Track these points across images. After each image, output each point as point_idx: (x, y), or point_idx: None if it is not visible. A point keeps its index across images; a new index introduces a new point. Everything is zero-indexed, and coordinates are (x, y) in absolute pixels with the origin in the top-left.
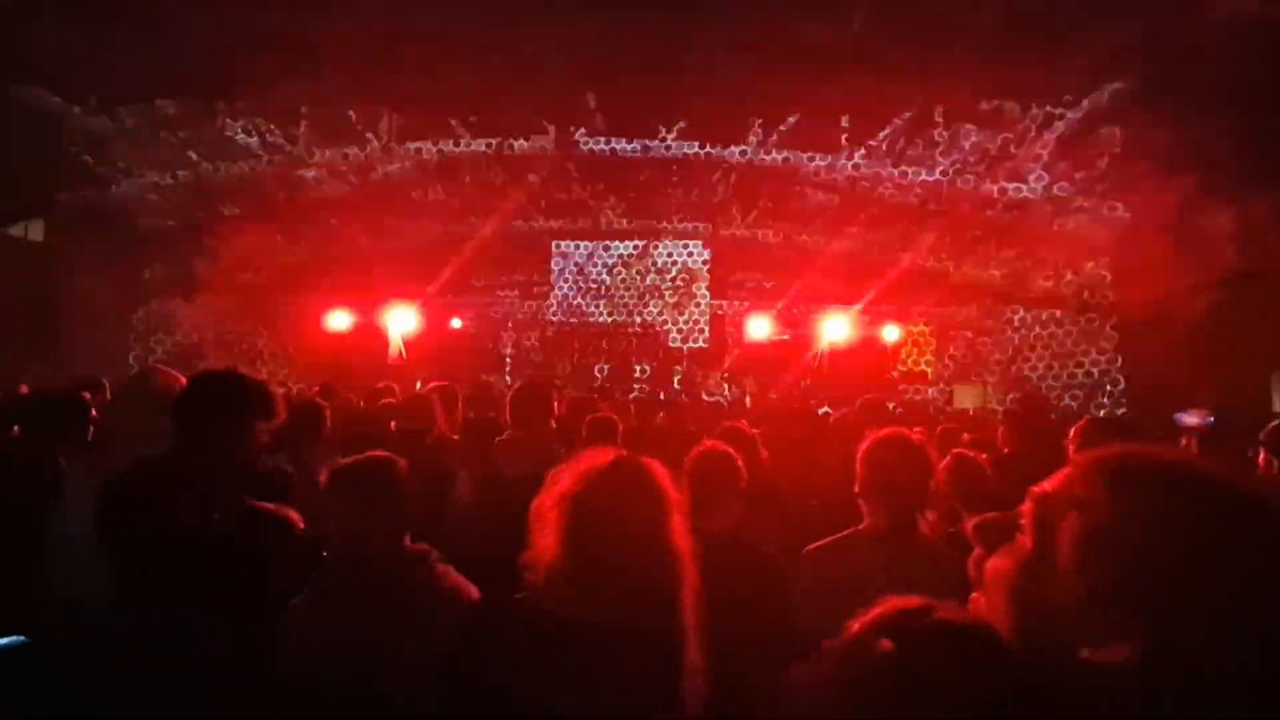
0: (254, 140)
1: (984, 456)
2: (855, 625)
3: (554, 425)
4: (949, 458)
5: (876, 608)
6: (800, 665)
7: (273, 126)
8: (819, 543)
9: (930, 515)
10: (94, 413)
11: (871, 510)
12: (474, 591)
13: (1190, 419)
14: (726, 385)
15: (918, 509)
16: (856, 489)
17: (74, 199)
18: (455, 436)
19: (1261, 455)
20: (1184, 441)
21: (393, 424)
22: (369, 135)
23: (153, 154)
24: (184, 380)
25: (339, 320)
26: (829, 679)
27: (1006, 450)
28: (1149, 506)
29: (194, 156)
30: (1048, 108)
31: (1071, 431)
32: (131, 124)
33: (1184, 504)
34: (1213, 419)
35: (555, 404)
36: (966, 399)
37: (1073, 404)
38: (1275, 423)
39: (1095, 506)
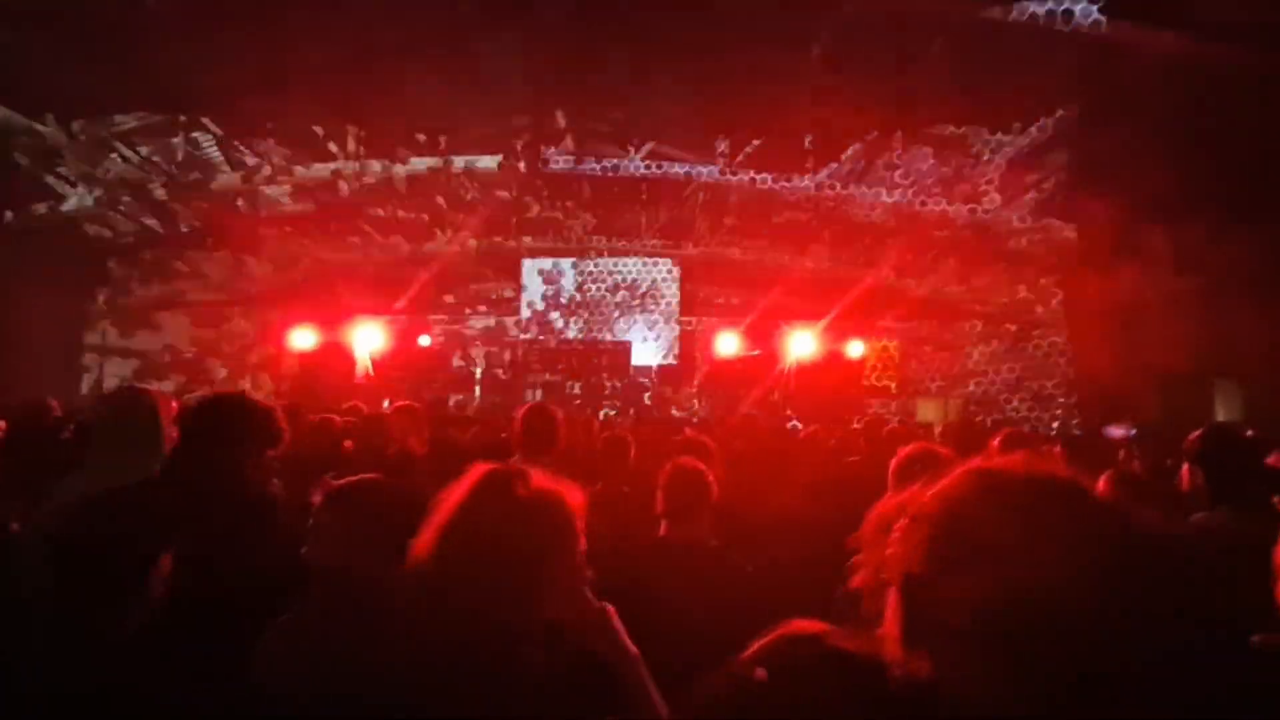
0: (215, 155)
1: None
2: (749, 650)
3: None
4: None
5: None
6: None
7: (235, 142)
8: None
9: None
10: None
11: None
12: None
13: (1116, 432)
14: (696, 401)
15: None
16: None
17: (23, 215)
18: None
19: (1185, 468)
20: (1121, 454)
21: (347, 443)
22: (334, 151)
23: (108, 169)
24: (171, 402)
25: (304, 338)
26: (705, 704)
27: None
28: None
29: (151, 173)
30: (999, 134)
31: (994, 442)
32: (86, 138)
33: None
34: (1134, 431)
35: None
36: (928, 413)
37: (1028, 415)
38: (1195, 433)
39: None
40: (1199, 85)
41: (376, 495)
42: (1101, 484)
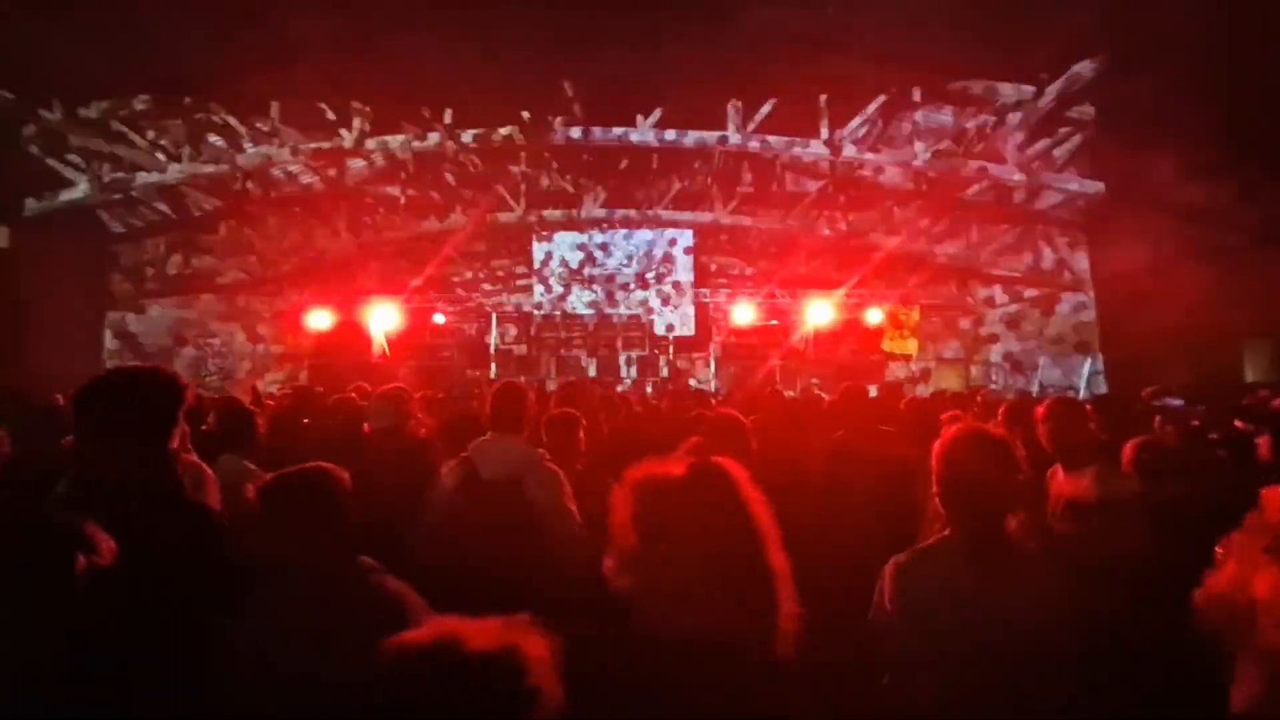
0: (224, 138)
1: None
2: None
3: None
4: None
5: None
6: None
7: (244, 123)
8: (906, 553)
9: (1020, 516)
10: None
11: (954, 516)
12: (419, 603)
13: (1174, 402)
14: (713, 372)
15: (1006, 512)
16: (934, 491)
17: (39, 203)
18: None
19: (1264, 440)
20: (1157, 421)
21: (366, 426)
22: (343, 129)
23: (118, 152)
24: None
25: (320, 319)
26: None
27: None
28: None
29: (163, 157)
30: (1024, 87)
31: (1040, 411)
32: (97, 124)
33: None
34: (1180, 401)
35: (531, 404)
36: (948, 379)
37: (1054, 380)
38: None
39: None
40: (1234, 30)
41: (316, 484)
42: (1127, 451)
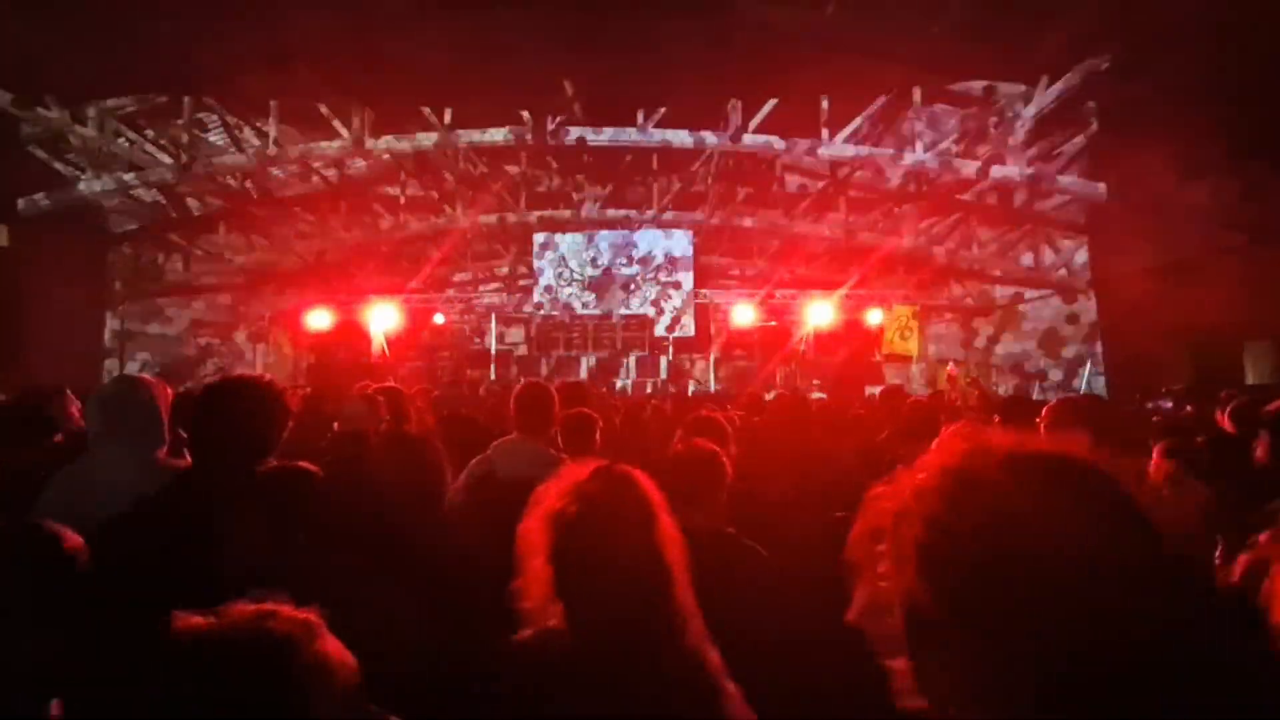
0: (222, 137)
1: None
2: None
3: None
4: None
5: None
6: None
7: (242, 123)
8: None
9: None
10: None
11: None
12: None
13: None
14: (713, 373)
15: None
16: None
17: (38, 202)
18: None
19: (1262, 440)
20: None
21: (335, 425)
22: (342, 129)
23: (117, 152)
24: (168, 389)
25: (319, 319)
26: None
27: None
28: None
29: (162, 156)
30: (1025, 87)
31: (1044, 412)
32: (96, 123)
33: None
34: (1170, 404)
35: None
36: (944, 378)
37: (1054, 381)
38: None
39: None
40: (1236, 29)
41: (300, 487)
42: (1155, 457)
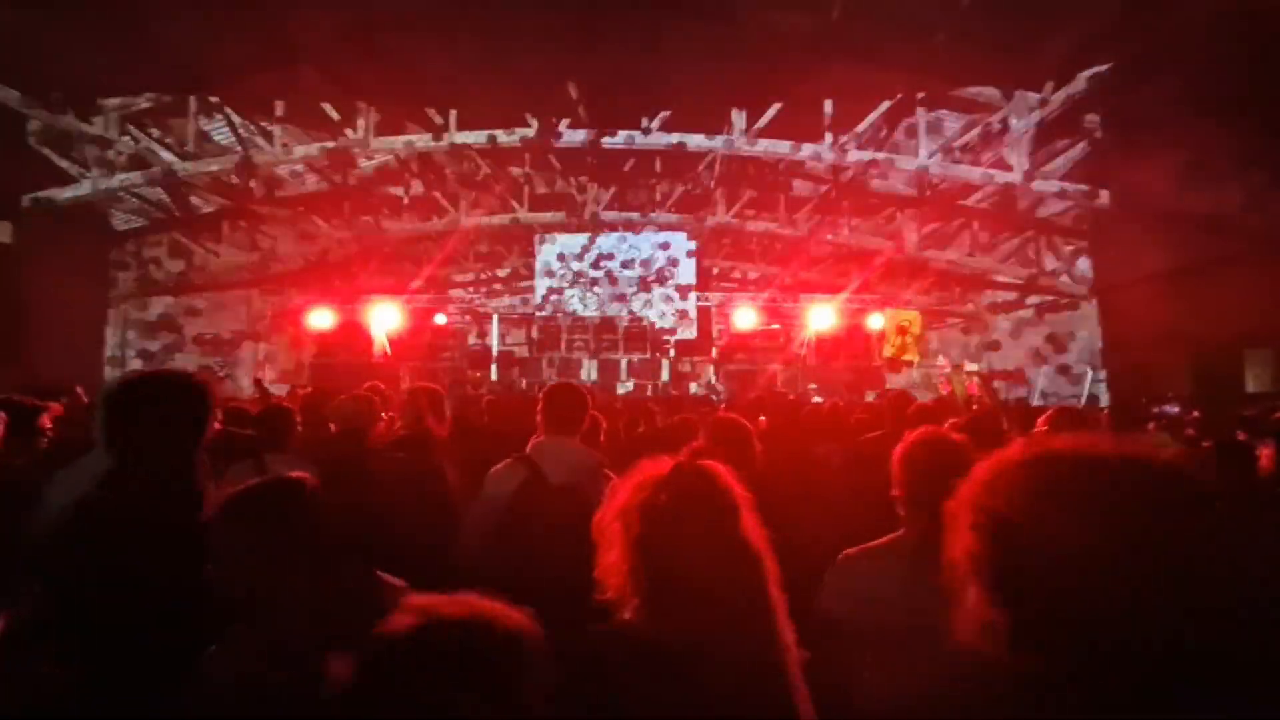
0: (227, 136)
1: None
2: None
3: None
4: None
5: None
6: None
7: (248, 122)
8: (857, 548)
9: None
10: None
11: (913, 517)
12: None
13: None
14: (714, 376)
15: None
16: (895, 493)
17: (42, 200)
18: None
19: (1266, 451)
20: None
21: (332, 426)
22: (346, 129)
23: (122, 151)
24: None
25: (321, 319)
26: None
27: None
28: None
29: (167, 154)
30: (1028, 93)
31: (1039, 421)
32: (99, 121)
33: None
34: (1176, 409)
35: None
36: (958, 385)
37: (1053, 387)
38: None
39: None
40: (1239, 39)
41: (289, 501)
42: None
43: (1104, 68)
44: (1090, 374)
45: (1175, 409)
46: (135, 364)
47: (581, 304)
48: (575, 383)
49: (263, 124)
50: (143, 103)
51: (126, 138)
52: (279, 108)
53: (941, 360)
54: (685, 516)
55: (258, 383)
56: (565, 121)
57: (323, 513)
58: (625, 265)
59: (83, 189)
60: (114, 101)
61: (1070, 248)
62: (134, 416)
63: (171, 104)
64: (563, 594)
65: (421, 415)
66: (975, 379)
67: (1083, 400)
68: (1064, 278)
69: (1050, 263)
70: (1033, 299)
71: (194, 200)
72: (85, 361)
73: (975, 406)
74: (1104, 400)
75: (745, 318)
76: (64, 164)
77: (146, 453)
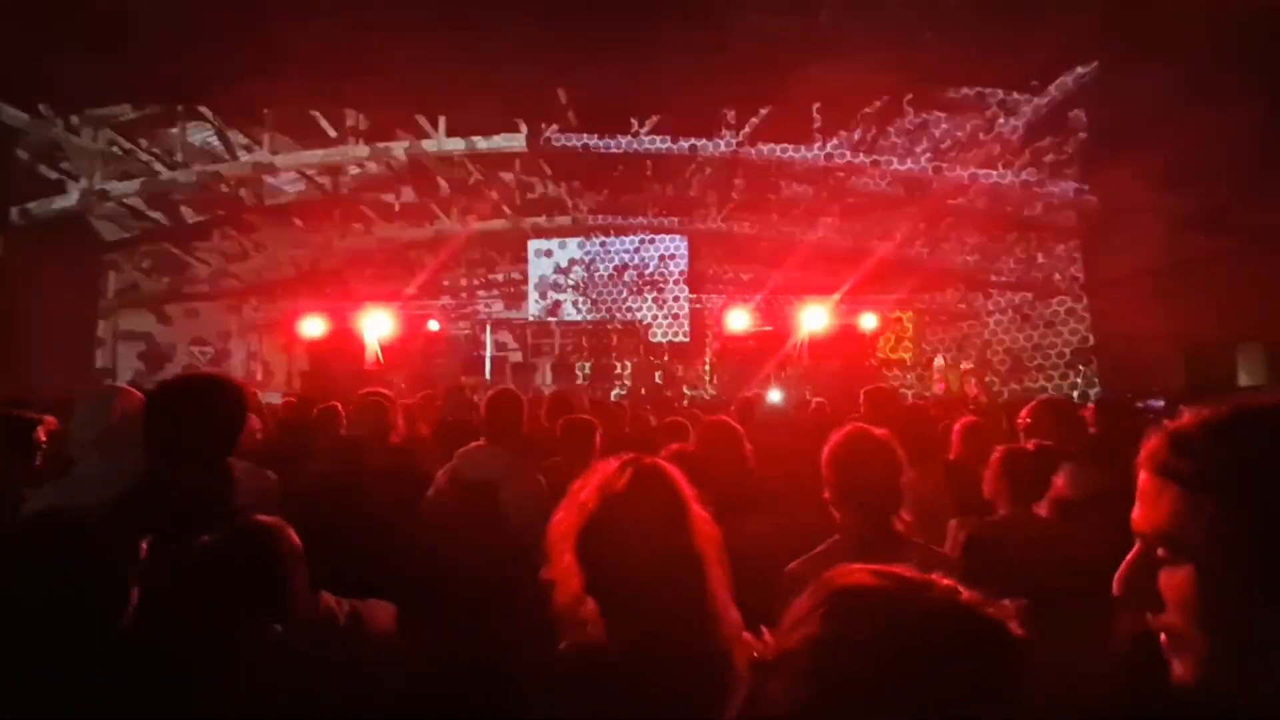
0: (216, 145)
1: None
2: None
3: (524, 433)
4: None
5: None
6: None
7: (237, 131)
8: (799, 561)
9: (905, 515)
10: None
11: (846, 517)
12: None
13: (1156, 404)
14: (708, 379)
15: (892, 511)
16: (826, 495)
17: (31, 211)
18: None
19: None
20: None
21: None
22: (335, 136)
23: (110, 161)
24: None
25: (313, 326)
26: None
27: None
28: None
29: (156, 164)
30: (1015, 93)
31: (1023, 411)
32: (87, 132)
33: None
34: (1162, 403)
35: (526, 412)
36: (955, 379)
37: (1046, 384)
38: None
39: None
40: (1225, 35)
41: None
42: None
43: (1089, 67)
44: (1081, 370)
45: (1160, 403)
46: (126, 375)
47: (574, 308)
48: (512, 389)
49: (252, 132)
50: (131, 113)
51: (114, 148)
52: (267, 116)
53: (940, 361)
54: (621, 517)
55: (250, 393)
56: (555, 126)
57: (299, 557)
58: (618, 269)
59: (71, 200)
60: (101, 112)
61: (1061, 245)
62: (176, 419)
63: (159, 114)
64: (472, 581)
65: (386, 419)
66: (972, 380)
67: (1075, 396)
68: (1055, 276)
69: (1041, 260)
70: (1024, 296)
71: (183, 210)
72: (76, 374)
73: (972, 406)
74: (1095, 396)
75: (738, 320)
76: (52, 175)
77: (184, 456)
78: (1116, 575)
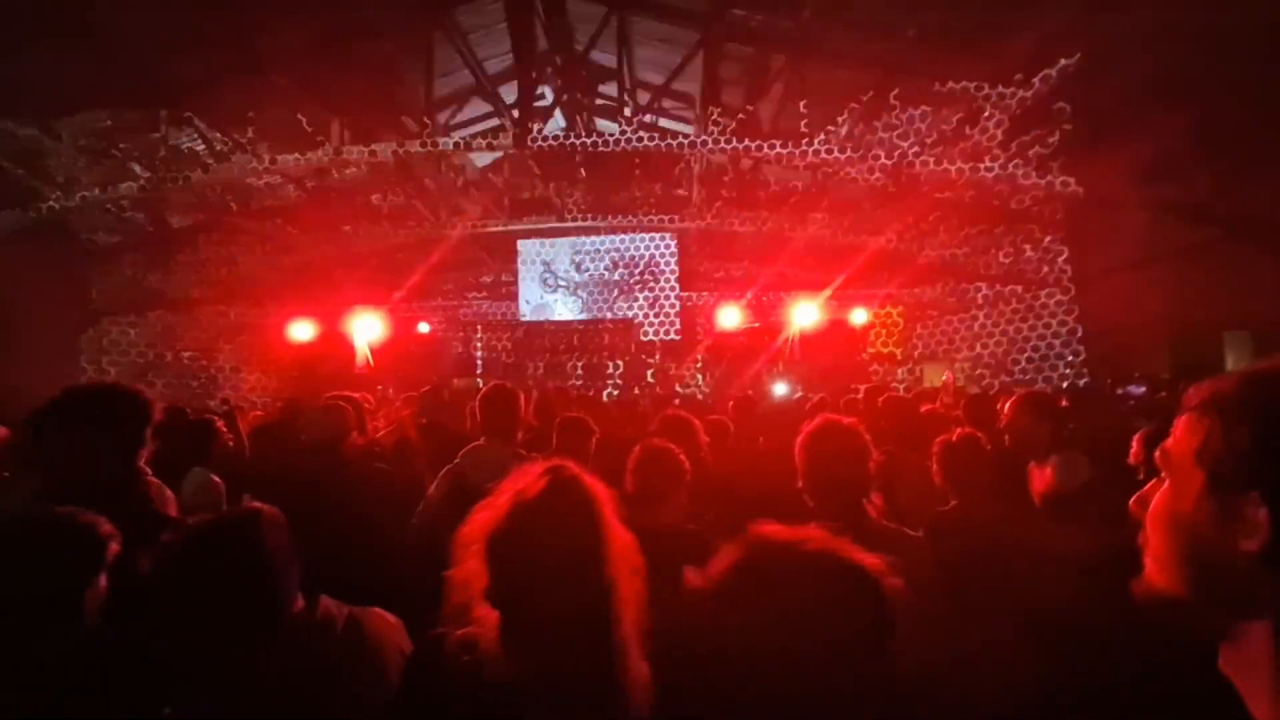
0: (200, 148)
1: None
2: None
3: (522, 432)
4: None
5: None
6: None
7: (219, 134)
8: None
9: (876, 500)
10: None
11: (819, 504)
12: (404, 642)
13: (1136, 390)
14: (699, 376)
15: (863, 496)
16: (799, 484)
17: (12, 216)
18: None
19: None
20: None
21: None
22: (321, 138)
23: (93, 167)
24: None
25: (302, 330)
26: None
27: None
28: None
29: (137, 168)
30: (1000, 87)
31: (1006, 405)
32: (69, 136)
33: None
34: (1142, 389)
35: (525, 408)
36: (936, 377)
37: (1036, 376)
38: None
39: None
40: (1205, 28)
41: (246, 538)
42: (1135, 445)
43: (1071, 60)
44: (1070, 360)
45: (1141, 389)
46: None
47: (564, 308)
48: (506, 384)
49: (235, 136)
50: (114, 118)
51: (98, 153)
52: (252, 119)
53: (932, 377)
54: (529, 529)
55: (224, 401)
56: (541, 126)
57: (282, 546)
58: (607, 268)
59: (55, 206)
60: (85, 117)
61: (1048, 237)
62: (70, 429)
63: (142, 118)
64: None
65: (350, 423)
66: (946, 374)
67: (1065, 386)
68: (1043, 268)
69: (1028, 253)
70: (1012, 288)
71: (168, 215)
72: (59, 378)
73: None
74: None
75: (729, 317)
76: (35, 182)
77: (81, 465)
78: (1133, 497)
